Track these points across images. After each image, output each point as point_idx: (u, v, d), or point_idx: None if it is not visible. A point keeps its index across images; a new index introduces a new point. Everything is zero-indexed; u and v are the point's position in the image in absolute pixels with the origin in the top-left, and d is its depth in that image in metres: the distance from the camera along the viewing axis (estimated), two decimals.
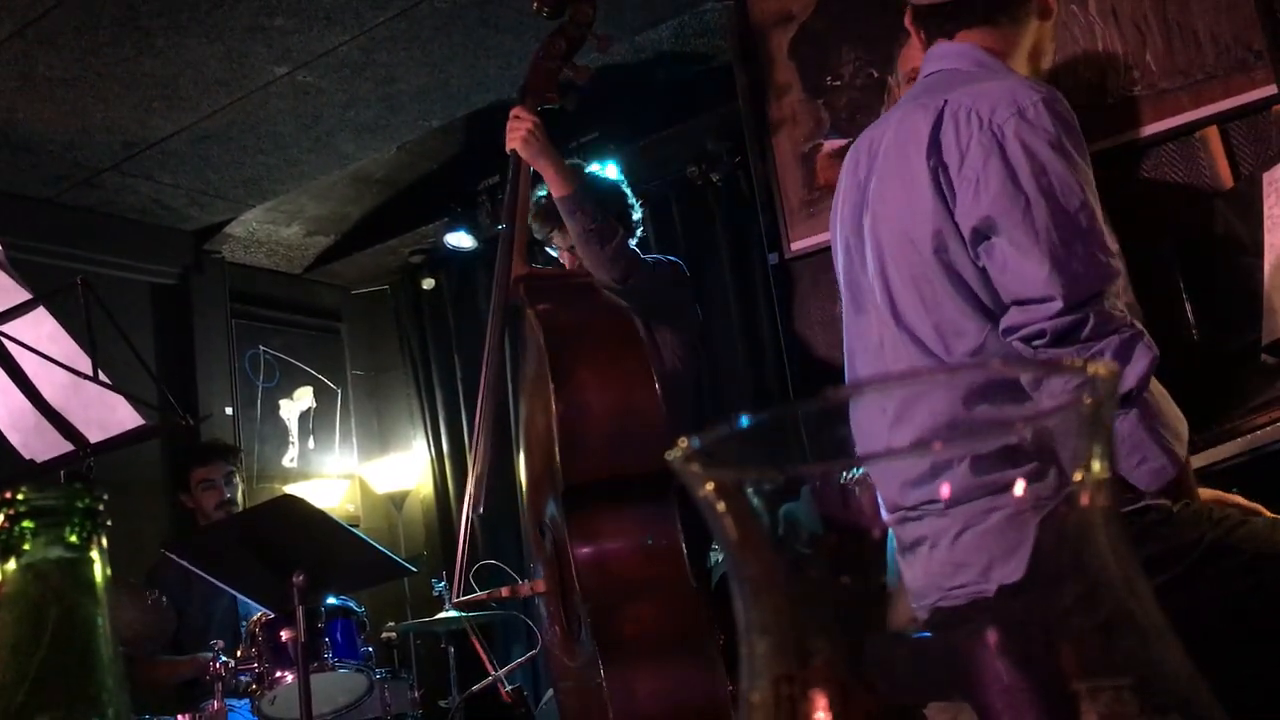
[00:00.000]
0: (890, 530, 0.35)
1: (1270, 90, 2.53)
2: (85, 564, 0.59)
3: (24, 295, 2.40)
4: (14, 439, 2.54)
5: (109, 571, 0.60)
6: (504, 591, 2.61)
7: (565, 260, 3.07)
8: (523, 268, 2.66)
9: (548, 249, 3.18)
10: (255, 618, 3.45)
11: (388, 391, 6.19)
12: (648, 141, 4.74)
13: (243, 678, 3.42)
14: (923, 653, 0.36)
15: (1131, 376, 1.53)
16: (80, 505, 0.59)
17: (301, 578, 2.83)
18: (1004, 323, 1.62)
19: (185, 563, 3.06)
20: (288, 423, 5.71)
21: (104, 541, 0.60)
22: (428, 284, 5.90)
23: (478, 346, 2.76)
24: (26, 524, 0.58)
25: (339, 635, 3.50)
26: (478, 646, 3.29)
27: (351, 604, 3.62)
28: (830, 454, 0.35)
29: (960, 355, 1.66)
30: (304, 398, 5.82)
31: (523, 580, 2.67)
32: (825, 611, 0.35)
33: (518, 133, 2.78)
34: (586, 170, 3.12)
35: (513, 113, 2.82)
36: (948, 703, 0.35)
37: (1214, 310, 2.36)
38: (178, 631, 3.77)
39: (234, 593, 3.44)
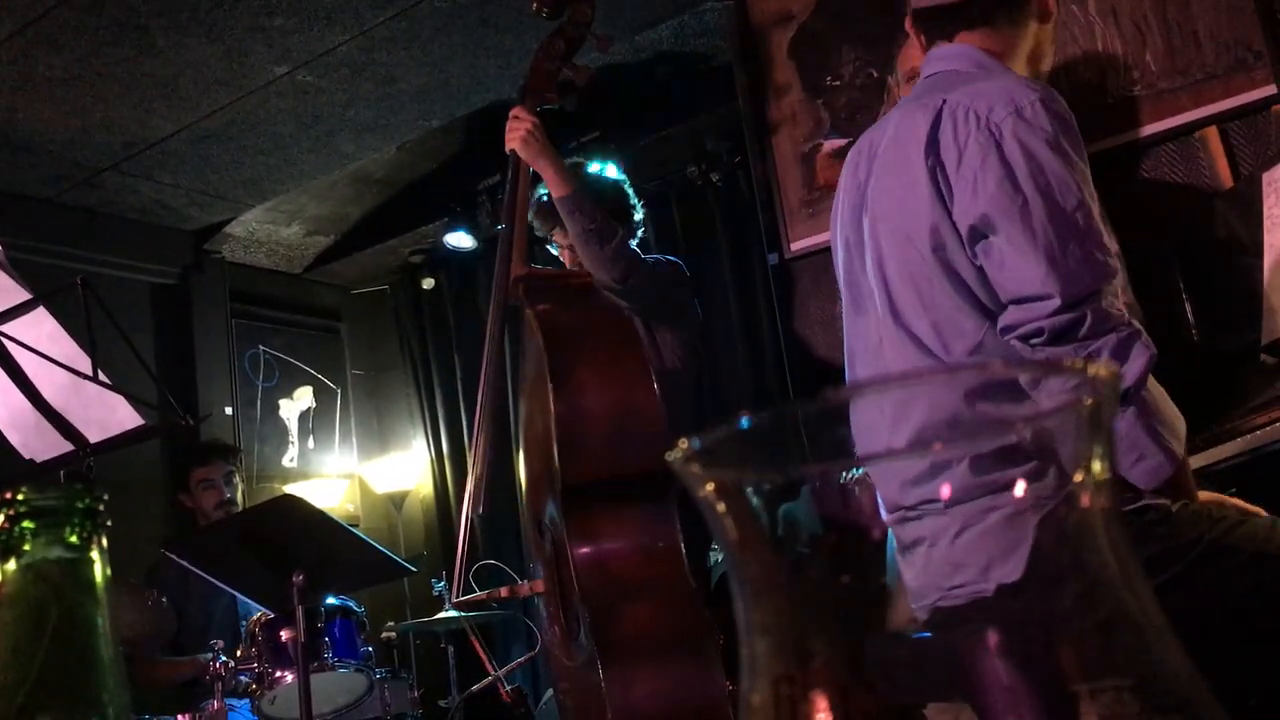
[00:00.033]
0: (890, 530, 0.35)
1: (1270, 90, 2.53)
2: (86, 564, 0.59)
3: (24, 295, 2.40)
4: (14, 439, 2.54)
5: (109, 572, 0.60)
6: (503, 591, 2.61)
7: (566, 258, 3.07)
8: (522, 268, 2.66)
9: (549, 247, 3.18)
10: (255, 617, 3.45)
11: (387, 391, 6.19)
12: (648, 141, 4.74)
13: (242, 678, 3.42)
14: (922, 653, 0.36)
15: (1129, 375, 1.53)
16: (80, 506, 0.59)
17: (301, 577, 2.83)
18: (1002, 321, 1.62)
19: (185, 563, 3.06)
20: (287, 422, 5.71)
21: (104, 542, 0.60)
22: (427, 284, 5.90)
23: (477, 346, 2.76)
24: (27, 524, 0.58)
25: (339, 635, 3.50)
26: (477, 646, 3.29)
27: (351, 604, 3.62)
28: (830, 454, 0.35)
29: (958, 354, 1.66)
30: (304, 397, 5.82)
31: (522, 580, 2.67)
32: (825, 612, 0.35)
33: (517, 133, 2.78)
34: (588, 169, 3.12)
35: (512, 113, 2.83)
36: (948, 703, 0.35)
37: (1214, 310, 2.36)
38: (178, 631, 3.77)
39: (234, 593, 3.44)
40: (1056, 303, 1.54)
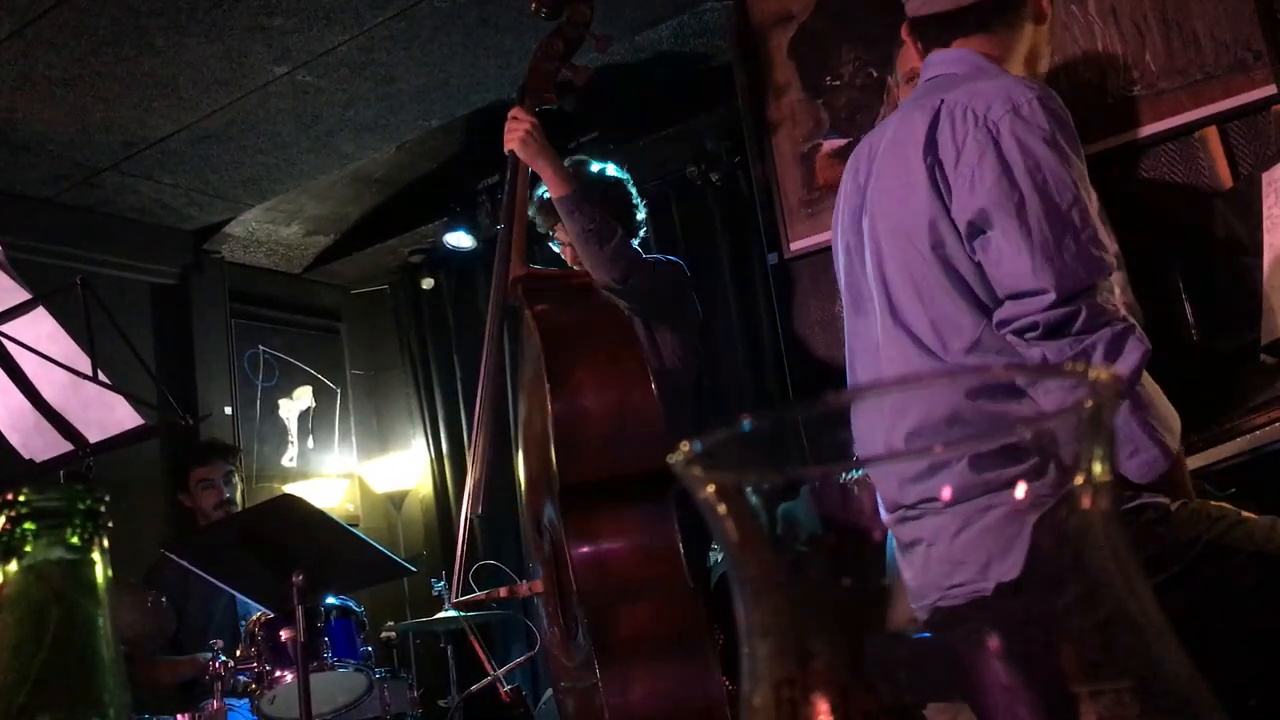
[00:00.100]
0: (890, 531, 0.35)
1: (1269, 90, 2.54)
2: (87, 565, 0.59)
3: (24, 295, 2.40)
4: (14, 439, 2.54)
5: (110, 572, 0.60)
6: (503, 592, 2.61)
7: (568, 255, 3.07)
8: (521, 268, 2.66)
9: (550, 244, 3.18)
10: (254, 617, 3.45)
11: (387, 391, 6.19)
12: (647, 141, 4.74)
13: (242, 677, 3.42)
14: (922, 653, 0.36)
15: (1123, 369, 1.54)
16: (82, 507, 0.59)
17: (301, 577, 2.83)
18: (997, 316, 1.63)
19: (185, 562, 3.06)
20: (287, 422, 5.71)
21: (105, 543, 0.60)
22: (427, 284, 5.90)
23: (477, 346, 2.76)
24: (28, 526, 0.58)
25: (338, 635, 3.50)
26: (476, 646, 3.28)
27: (351, 603, 3.62)
28: (830, 455, 0.35)
29: (956, 351, 1.67)
30: (303, 397, 5.82)
31: (521, 580, 2.67)
32: (825, 612, 0.35)
33: (516, 133, 2.78)
34: (590, 167, 3.12)
35: (511, 113, 2.82)
36: (947, 703, 0.35)
37: (1213, 310, 2.36)
38: (177, 631, 3.77)
39: (233, 592, 3.44)
40: (1051, 297, 1.56)
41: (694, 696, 2.00)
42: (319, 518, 2.94)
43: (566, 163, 2.93)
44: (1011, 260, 1.59)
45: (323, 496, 5.53)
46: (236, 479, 4.26)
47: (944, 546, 1.44)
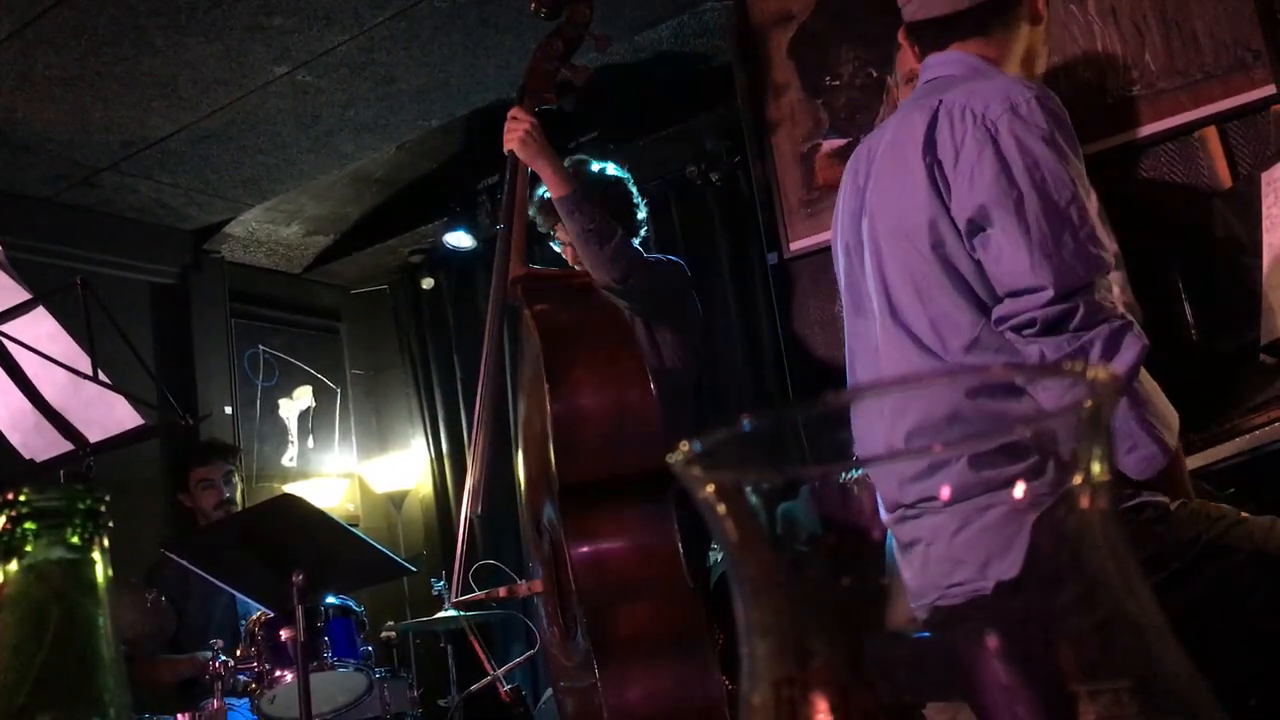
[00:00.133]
0: (890, 530, 0.36)
1: (1269, 90, 2.54)
2: (87, 565, 0.59)
3: (24, 295, 2.40)
4: (14, 439, 2.54)
5: (110, 572, 0.60)
6: (502, 591, 2.61)
7: (568, 255, 3.07)
8: (520, 268, 2.66)
9: (551, 244, 3.18)
10: (254, 617, 3.45)
11: (387, 391, 6.19)
12: (647, 141, 4.74)
13: (242, 677, 3.42)
14: (922, 653, 0.36)
15: (1121, 366, 1.54)
16: (82, 506, 0.59)
17: (301, 577, 2.83)
18: (996, 313, 1.64)
19: (185, 562, 3.06)
20: (287, 422, 5.71)
21: (105, 542, 0.60)
22: (427, 283, 5.90)
23: (477, 346, 2.76)
24: (29, 525, 0.58)
25: (338, 634, 3.50)
26: (476, 646, 3.28)
27: (351, 603, 3.62)
28: (829, 455, 0.35)
29: (955, 350, 1.68)
30: (303, 397, 5.82)
31: (521, 580, 2.67)
32: (825, 612, 0.35)
33: (515, 133, 2.78)
34: (590, 167, 3.12)
35: (510, 114, 2.82)
36: (946, 703, 0.35)
37: (1213, 310, 2.36)
38: (177, 631, 3.77)
39: (233, 592, 3.45)
40: (1050, 294, 1.56)
41: (693, 696, 2.00)
42: (319, 517, 2.94)
43: (566, 163, 2.93)
44: (1010, 257, 1.60)
45: (323, 496, 5.53)
46: (236, 479, 4.26)
47: (943, 546, 1.44)
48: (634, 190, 3.11)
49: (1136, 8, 2.71)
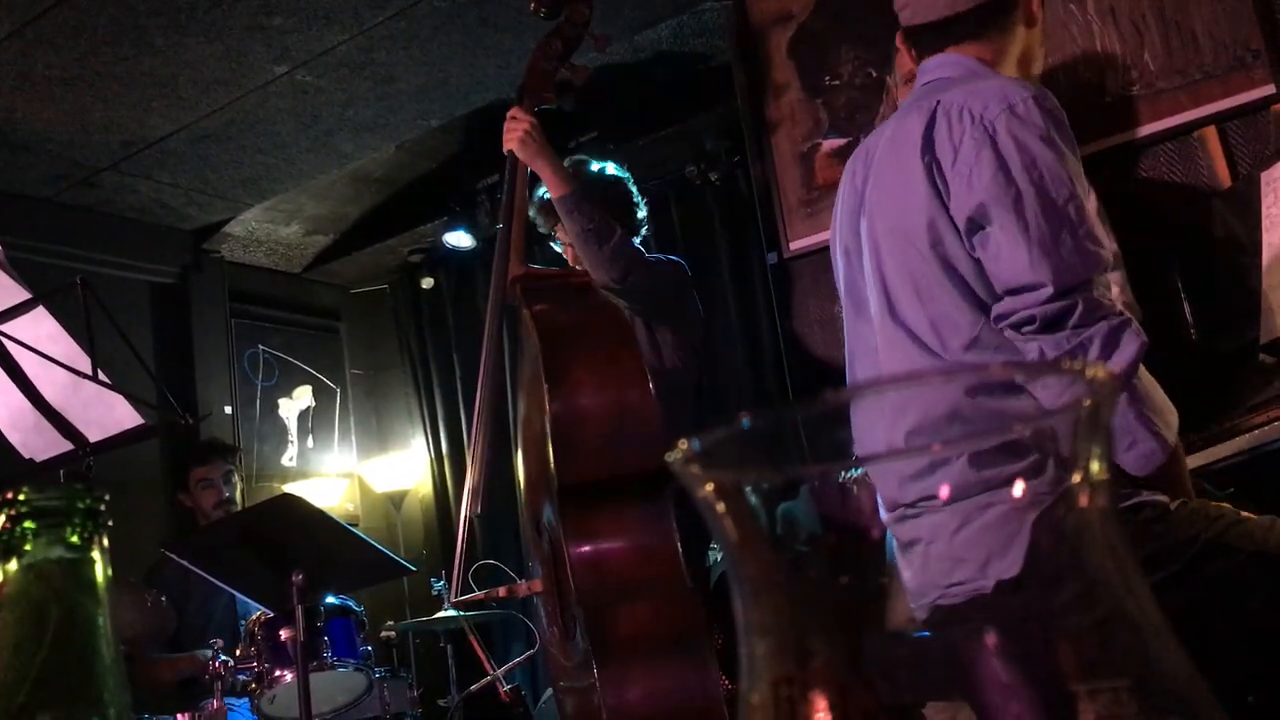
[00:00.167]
0: (890, 530, 0.36)
1: (1268, 90, 2.53)
2: (86, 564, 0.59)
3: (23, 295, 2.40)
4: (14, 439, 2.54)
5: (110, 572, 0.60)
6: (502, 591, 2.60)
7: (569, 256, 3.07)
8: (520, 268, 2.66)
9: (552, 244, 3.18)
10: (254, 617, 3.45)
11: (386, 390, 6.19)
12: (646, 141, 4.74)
13: (242, 677, 3.42)
14: (922, 652, 0.36)
15: (1120, 362, 1.55)
16: (82, 506, 0.59)
17: (300, 577, 2.83)
18: (995, 310, 1.64)
19: (185, 562, 3.06)
20: (287, 422, 5.71)
21: (105, 542, 0.60)
22: (426, 283, 5.89)
23: (476, 345, 2.76)
24: (28, 524, 0.58)
25: (338, 634, 3.50)
26: (476, 646, 3.28)
27: (350, 603, 3.62)
28: (829, 454, 0.35)
29: (955, 349, 1.68)
30: (303, 397, 5.82)
31: (521, 580, 2.67)
32: (824, 611, 0.35)
33: (514, 133, 2.78)
34: (590, 166, 3.11)
35: (510, 113, 2.82)
36: (947, 702, 0.35)
37: (1212, 310, 2.36)
38: (177, 631, 3.77)
39: (233, 592, 3.44)
40: (1049, 291, 1.57)
41: (692, 696, 2.00)
42: (319, 517, 2.94)
43: (566, 163, 2.93)
44: (1009, 255, 1.61)
45: (322, 496, 5.53)
46: (236, 478, 4.26)
47: (943, 544, 1.43)
48: (634, 190, 3.11)
49: (1136, 7, 2.71)
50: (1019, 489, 0.35)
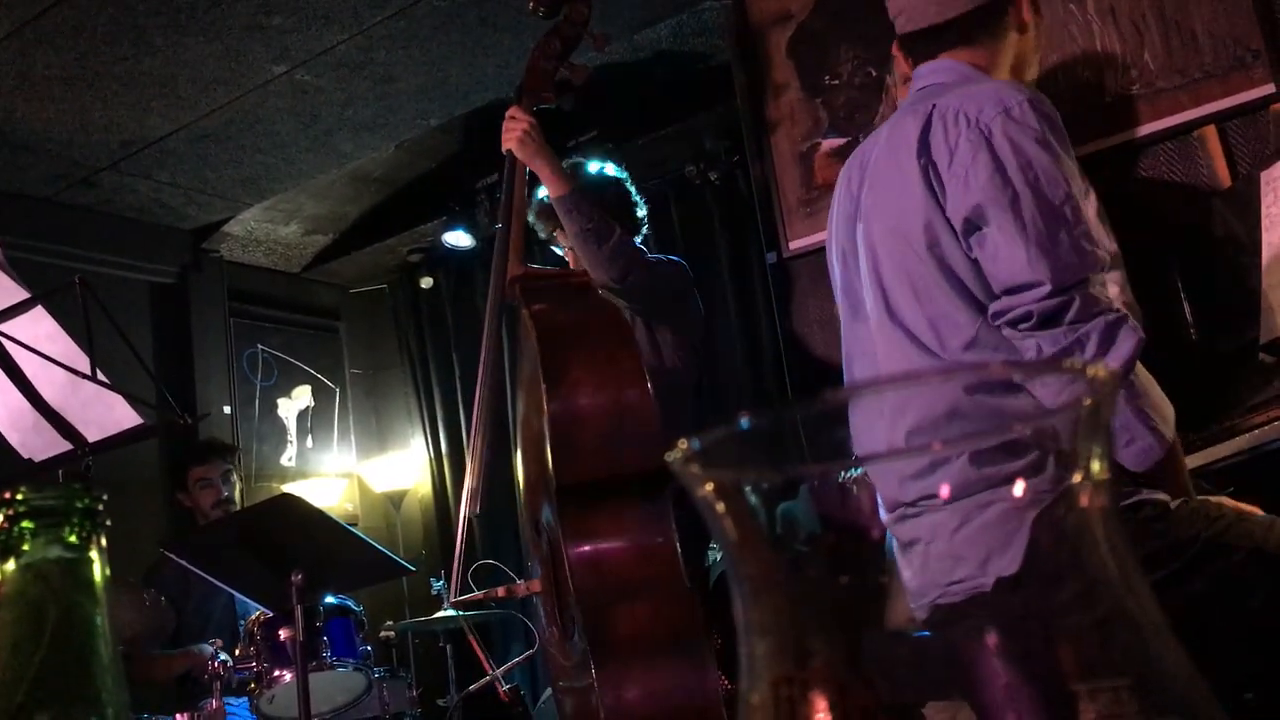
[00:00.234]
0: (890, 530, 0.35)
1: (1268, 89, 2.53)
2: (85, 564, 0.59)
3: (22, 294, 2.40)
4: (13, 438, 2.54)
5: (108, 571, 0.60)
6: (501, 591, 2.60)
7: (570, 259, 3.07)
8: (519, 268, 2.65)
9: (553, 248, 3.18)
10: (253, 617, 3.45)
11: (386, 390, 6.19)
12: (645, 140, 4.74)
13: (241, 676, 3.41)
14: (922, 652, 0.36)
15: (1117, 358, 1.55)
16: (80, 505, 0.59)
17: (300, 577, 2.83)
18: (993, 308, 1.65)
19: (184, 562, 3.06)
20: (286, 421, 5.70)
21: (103, 541, 0.60)
22: (426, 283, 5.89)
23: (476, 345, 2.76)
24: (26, 524, 0.58)
25: (337, 634, 3.50)
26: (475, 646, 3.28)
27: (350, 603, 3.62)
28: (829, 454, 0.35)
29: (954, 349, 1.69)
30: (302, 396, 5.82)
31: (520, 580, 2.67)
32: (824, 611, 0.35)
33: (513, 133, 2.78)
34: (588, 167, 3.11)
35: (509, 113, 2.82)
36: (947, 702, 0.35)
37: (1212, 309, 2.36)
38: (176, 630, 3.77)
39: (232, 592, 3.44)
40: (1046, 289, 1.58)
41: (691, 696, 2.00)
42: (318, 517, 2.93)
43: (565, 162, 2.93)
44: (1007, 254, 1.62)
45: (322, 496, 5.53)
46: (235, 478, 4.26)
47: (944, 543, 1.43)
48: (633, 189, 3.11)
49: (1135, 7, 2.71)
50: (1019, 487, 0.35)
